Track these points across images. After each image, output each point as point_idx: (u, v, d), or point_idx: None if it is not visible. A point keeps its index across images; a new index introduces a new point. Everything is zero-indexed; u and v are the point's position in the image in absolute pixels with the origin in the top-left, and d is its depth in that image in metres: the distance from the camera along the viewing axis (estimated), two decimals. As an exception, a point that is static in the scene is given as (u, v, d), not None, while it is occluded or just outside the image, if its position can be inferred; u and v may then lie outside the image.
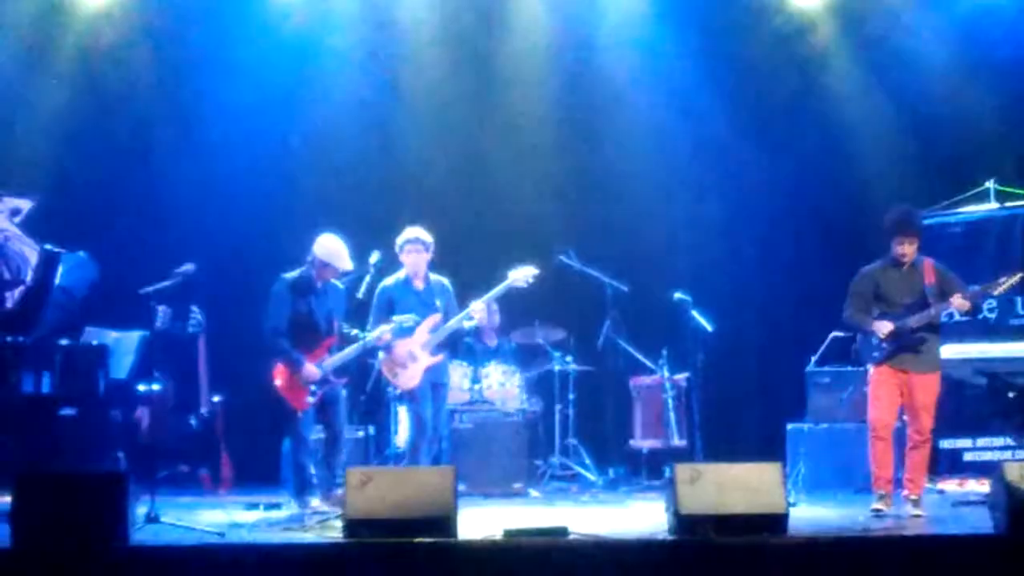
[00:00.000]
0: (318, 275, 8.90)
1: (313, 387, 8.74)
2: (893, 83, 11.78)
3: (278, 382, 8.76)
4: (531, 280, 9.27)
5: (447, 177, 12.07)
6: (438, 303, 9.24)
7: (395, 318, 8.94)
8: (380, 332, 8.85)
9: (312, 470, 8.80)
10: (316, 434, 9.06)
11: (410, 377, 9.10)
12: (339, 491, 8.52)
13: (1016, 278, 8.48)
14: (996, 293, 8.67)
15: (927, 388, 8.43)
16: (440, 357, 9.21)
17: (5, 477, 6.82)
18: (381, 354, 9.09)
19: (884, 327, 8.41)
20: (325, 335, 8.90)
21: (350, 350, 8.83)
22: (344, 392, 9.13)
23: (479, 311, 9.18)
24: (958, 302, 8.31)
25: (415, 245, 9.18)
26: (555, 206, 12.04)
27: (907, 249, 8.48)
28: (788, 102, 12.00)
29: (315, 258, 8.86)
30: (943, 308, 8.40)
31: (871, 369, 8.58)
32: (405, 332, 9.05)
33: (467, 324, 9.25)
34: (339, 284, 9.08)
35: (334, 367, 8.84)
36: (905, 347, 8.40)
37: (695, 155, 12.05)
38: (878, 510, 8.29)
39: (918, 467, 8.42)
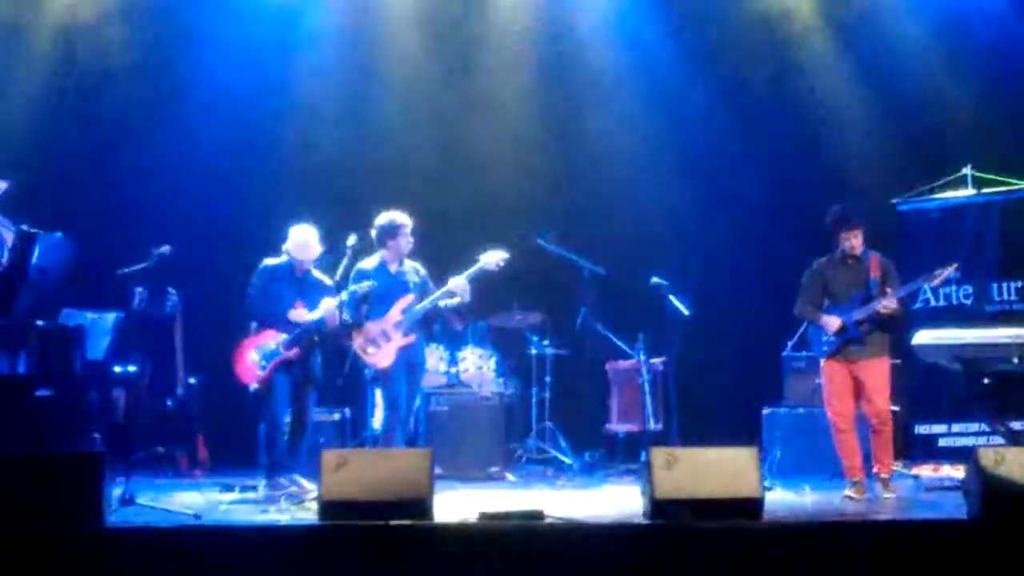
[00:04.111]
0: (296, 266, 9.16)
1: (263, 362, 8.94)
2: (871, 67, 11.81)
3: (234, 357, 9.06)
4: (502, 263, 9.29)
5: (425, 160, 12.08)
6: (411, 284, 9.29)
7: (351, 287, 9.02)
8: (326, 306, 8.90)
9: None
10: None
11: (383, 356, 9.11)
12: (283, 479, 8.65)
13: (951, 269, 8.66)
14: (934, 285, 8.93)
15: (876, 372, 8.65)
16: (412, 337, 9.21)
17: (-20, 458, 6.79)
18: (355, 333, 9.10)
19: (832, 323, 8.65)
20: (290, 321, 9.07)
21: (305, 318, 8.99)
22: (316, 376, 9.24)
23: (461, 287, 9.17)
24: (884, 303, 8.50)
25: (407, 229, 9.31)
26: (532, 189, 12.04)
27: (855, 242, 8.73)
28: (766, 87, 12.03)
29: (289, 251, 9.16)
30: (882, 303, 8.53)
31: (822, 362, 8.82)
32: (376, 314, 9.11)
33: (449, 301, 9.24)
34: (326, 279, 9.14)
35: (286, 341, 8.97)
36: (852, 340, 8.63)
37: (673, 139, 12.05)
38: (851, 498, 8.46)
39: (883, 447, 8.67)
